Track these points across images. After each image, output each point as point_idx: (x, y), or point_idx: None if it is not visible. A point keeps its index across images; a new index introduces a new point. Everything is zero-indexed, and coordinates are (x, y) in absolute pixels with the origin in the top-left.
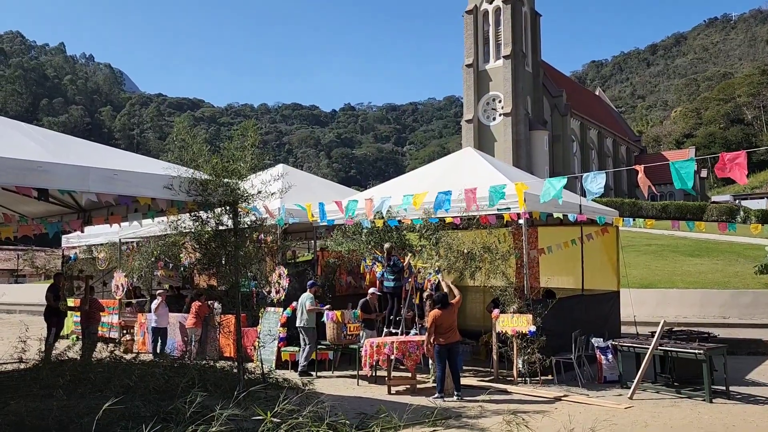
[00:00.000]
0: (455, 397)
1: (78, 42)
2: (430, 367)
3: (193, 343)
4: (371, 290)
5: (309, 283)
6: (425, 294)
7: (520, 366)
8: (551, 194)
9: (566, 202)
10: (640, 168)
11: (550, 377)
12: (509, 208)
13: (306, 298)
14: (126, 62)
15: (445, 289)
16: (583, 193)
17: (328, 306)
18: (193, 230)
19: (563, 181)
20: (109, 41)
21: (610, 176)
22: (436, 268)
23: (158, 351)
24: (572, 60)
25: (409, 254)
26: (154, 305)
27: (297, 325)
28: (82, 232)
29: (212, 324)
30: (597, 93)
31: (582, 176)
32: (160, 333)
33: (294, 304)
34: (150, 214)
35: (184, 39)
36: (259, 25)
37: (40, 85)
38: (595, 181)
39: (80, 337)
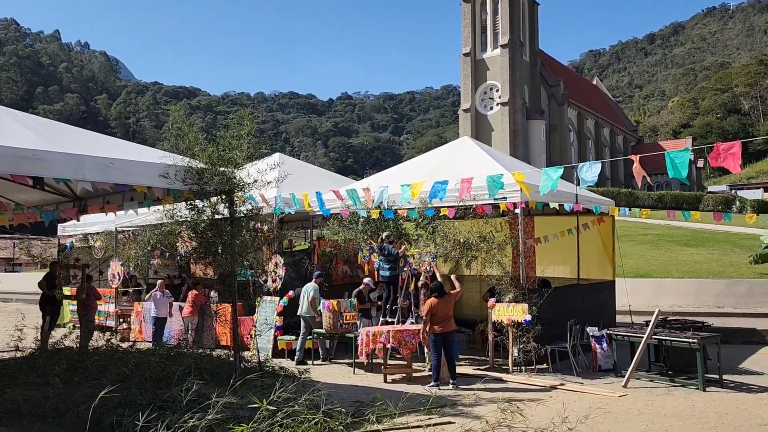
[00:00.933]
0: (451, 386)
1: (73, 29)
2: (425, 355)
3: (189, 332)
4: (366, 280)
5: (315, 273)
6: (420, 282)
7: (516, 355)
8: (549, 186)
9: (563, 192)
10: (635, 158)
11: (545, 366)
12: (506, 198)
13: (310, 289)
14: (122, 50)
15: (439, 278)
16: (578, 183)
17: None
18: (189, 219)
19: (560, 171)
20: (105, 29)
21: (607, 166)
22: (432, 253)
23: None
24: (570, 49)
25: (405, 244)
26: (151, 294)
27: (299, 313)
28: (78, 220)
29: (209, 313)
30: (594, 82)
31: (578, 166)
32: (159, 322)
33: (291, 293)
34: (146, 203)
35: (181, 27)
36: (255, 14)
37: (35, 72)
38: (591, 171)
39: (77, 325)
